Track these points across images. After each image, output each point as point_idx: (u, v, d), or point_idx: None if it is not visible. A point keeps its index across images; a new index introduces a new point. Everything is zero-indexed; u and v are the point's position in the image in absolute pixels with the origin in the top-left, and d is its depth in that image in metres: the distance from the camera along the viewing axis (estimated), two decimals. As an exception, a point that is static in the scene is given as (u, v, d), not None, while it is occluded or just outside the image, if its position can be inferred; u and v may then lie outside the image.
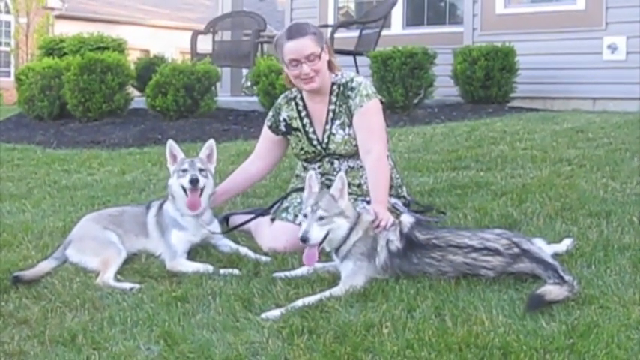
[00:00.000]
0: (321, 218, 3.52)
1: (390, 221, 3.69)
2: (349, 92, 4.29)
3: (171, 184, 4.25)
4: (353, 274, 3.53)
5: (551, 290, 3.18)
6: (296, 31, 4.26)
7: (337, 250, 3.65)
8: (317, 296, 3.39)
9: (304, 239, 3.51)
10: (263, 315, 3.25)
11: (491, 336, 2.87)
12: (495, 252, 3.48)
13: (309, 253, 3.55)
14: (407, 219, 3.76)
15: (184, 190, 4.16)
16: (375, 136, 4.22)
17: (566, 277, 3.27)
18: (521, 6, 11.23)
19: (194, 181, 4.12)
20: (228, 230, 4.47)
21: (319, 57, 4.21)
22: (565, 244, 3.84)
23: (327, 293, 3.41)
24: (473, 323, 3.00)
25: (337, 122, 4.33)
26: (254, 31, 11.40)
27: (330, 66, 4.35)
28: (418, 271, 3.56)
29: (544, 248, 3.60)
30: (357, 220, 3.66)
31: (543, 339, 2.83)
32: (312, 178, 3.71)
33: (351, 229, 3.62)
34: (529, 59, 10.20)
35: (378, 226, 3.67)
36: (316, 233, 3.51)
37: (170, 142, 4.31)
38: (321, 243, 3.56)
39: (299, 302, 3.33)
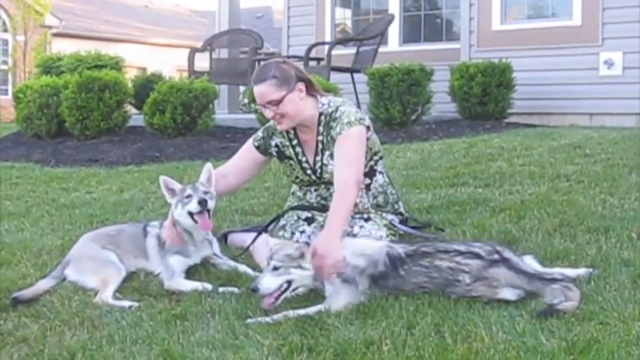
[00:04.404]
0: (275, 268, 3.52)
1: (332, 271, 3.55)
2: (332, 123, 4.23)
3: (178, 218, 4.16)
4: (336, 295, 3.52)
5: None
6: (257, 76, 4.18)
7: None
8: (301, 311, 3.41)
9: (253, 289, 3.51)
10: (249, 320, 3.34)
11: (491, 353, 2.87)
12: (477, 256, 3.51)
13: (265, 300, 3.52)
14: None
15: (192, 216, 4.11)
16: (347, 161, 4.08)
17: (557, 276, 3.37)
18: (518, 22, 11.27)
19: (203, 202, 4.06)
20: (239, 254, 4.40)
21: (281, 101, 4.12)
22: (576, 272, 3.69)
23: (310, 310, 3.43)
24: (473, 340, 2.99)
25: (327, 153, 4.29)
26: (251, 48, 11.45)
27: (315, 93, 4.29)
28: (406, 282, 3.55)
29: (536, 265, 3.61)
30: None
31: (543, 356, 2.83)
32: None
33: None
34: (526, 75, 10.24)
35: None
36: (267, 283, 3.50)
37: (163, 178, 4.22)
38: (283, 292, 3.53)
39: (281, 314, 3.37)
